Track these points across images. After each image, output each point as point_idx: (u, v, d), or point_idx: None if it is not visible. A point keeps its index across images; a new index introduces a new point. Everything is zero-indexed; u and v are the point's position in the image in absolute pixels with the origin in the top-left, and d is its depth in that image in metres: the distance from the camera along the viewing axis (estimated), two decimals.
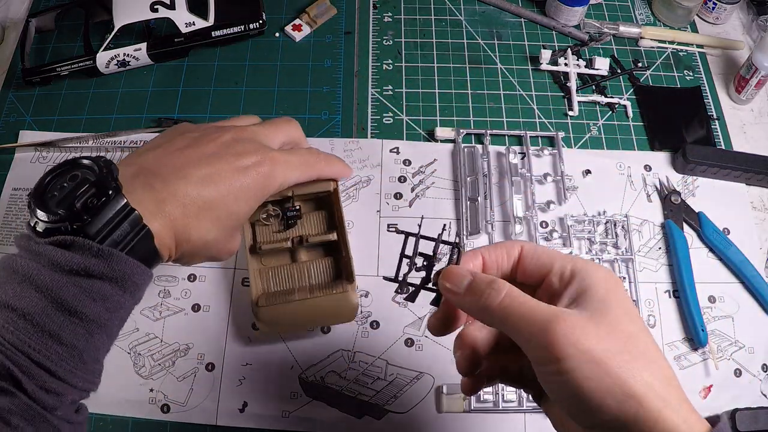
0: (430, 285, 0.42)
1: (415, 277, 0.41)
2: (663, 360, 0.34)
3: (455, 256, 0.41)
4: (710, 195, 0.73)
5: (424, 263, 0.43)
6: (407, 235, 0.45)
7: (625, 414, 0.31)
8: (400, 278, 0.43)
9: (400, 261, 0.45)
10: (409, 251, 0.44)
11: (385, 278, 0.44)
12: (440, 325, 0.41)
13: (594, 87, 0.80)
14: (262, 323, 0.59)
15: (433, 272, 0.42)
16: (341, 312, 0.59)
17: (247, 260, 0.62)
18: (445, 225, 0.50)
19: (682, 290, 0.66)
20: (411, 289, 0.45)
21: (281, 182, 0.50)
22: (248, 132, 0.51)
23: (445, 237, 0.44)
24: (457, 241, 0.46)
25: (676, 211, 0.71)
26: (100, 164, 0.41)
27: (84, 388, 0.39)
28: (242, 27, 0.79)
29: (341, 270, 0.62)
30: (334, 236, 0.63)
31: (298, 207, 0.63)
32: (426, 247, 0.42)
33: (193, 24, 0.77)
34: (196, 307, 0.65)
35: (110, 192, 0.39)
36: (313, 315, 0.59)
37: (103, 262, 0.38)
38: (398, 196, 0.71)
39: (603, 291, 0.35)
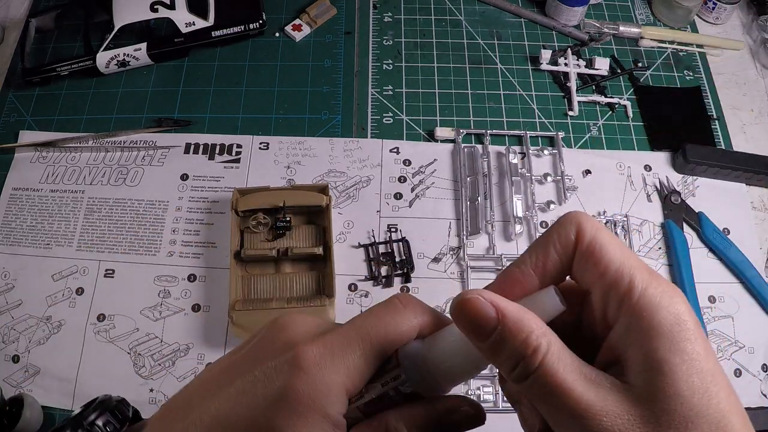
0: (397, 271, 0.66)
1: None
2: None
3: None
4: (710, 195, 0.73)
5: (386, 259, 0.67)
6: (366, 246, 0.67)
7: None
8: (375, 275, 0.66)
9: (369, 264, 0.66)
10: (372, 255, 0.66)
11: (366, 278, 0.66)
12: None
13: (594, 87, 0.80)
14: (236, 327, 0.60)
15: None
16: None
17: (230, 265, 0.63)
18: (389, 225, 0.68)
19: (682, 290, 0.66)
20: (384, 279, 0.66)
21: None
22: None
23: (395, 237, 0.68)
24: (403, 237, 0.68)
25: (676, 211, 0.71)
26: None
27: None
28: (242, 27, 0.79)
29: (324, 287, 0.63)
30: (320, 250, 0.64)
31: (288, 219, 0.64)
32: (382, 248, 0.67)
33: (193, 24, 0.77)
34: (196, 307, 0.65)
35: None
36: None
37: None
38: (398, 196, 0.71)
39: (688, 378, 0.22)
